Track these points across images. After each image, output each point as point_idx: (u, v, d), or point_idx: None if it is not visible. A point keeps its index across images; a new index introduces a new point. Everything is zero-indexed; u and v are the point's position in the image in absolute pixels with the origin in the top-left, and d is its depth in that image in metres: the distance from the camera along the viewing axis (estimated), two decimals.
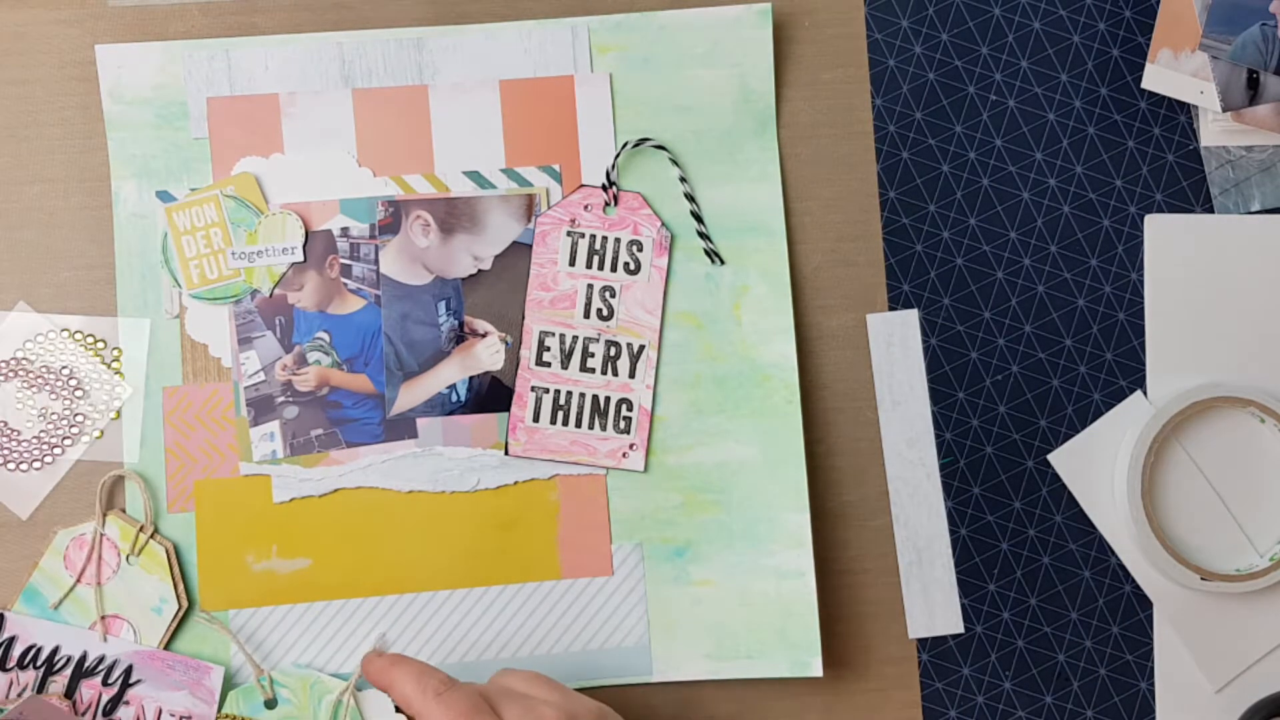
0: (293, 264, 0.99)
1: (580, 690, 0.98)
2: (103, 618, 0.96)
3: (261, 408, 0.99)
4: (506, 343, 1.00)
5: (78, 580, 0.96)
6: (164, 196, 0.99)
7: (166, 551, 0.97)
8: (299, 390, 0.99)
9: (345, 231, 1.00)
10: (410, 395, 0.99)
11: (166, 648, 0.97)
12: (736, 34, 1.02)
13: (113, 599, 0.97)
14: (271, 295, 0.99)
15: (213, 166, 1.00)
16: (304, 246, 0.99)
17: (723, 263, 1.01)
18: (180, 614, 0.97)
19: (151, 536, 0.97)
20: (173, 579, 0.97)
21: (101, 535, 0.97)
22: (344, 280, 1.00)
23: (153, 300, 0.99)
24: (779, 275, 1.01)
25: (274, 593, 0.98)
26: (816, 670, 0.99)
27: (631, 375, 1.00)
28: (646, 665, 0.99)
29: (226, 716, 0.95)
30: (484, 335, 1.00)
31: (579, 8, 1.02)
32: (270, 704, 0.96)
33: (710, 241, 1.01)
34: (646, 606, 0.99)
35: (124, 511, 0.98)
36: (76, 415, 0.98)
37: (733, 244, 1.01)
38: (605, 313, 1.00)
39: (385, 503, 0.99)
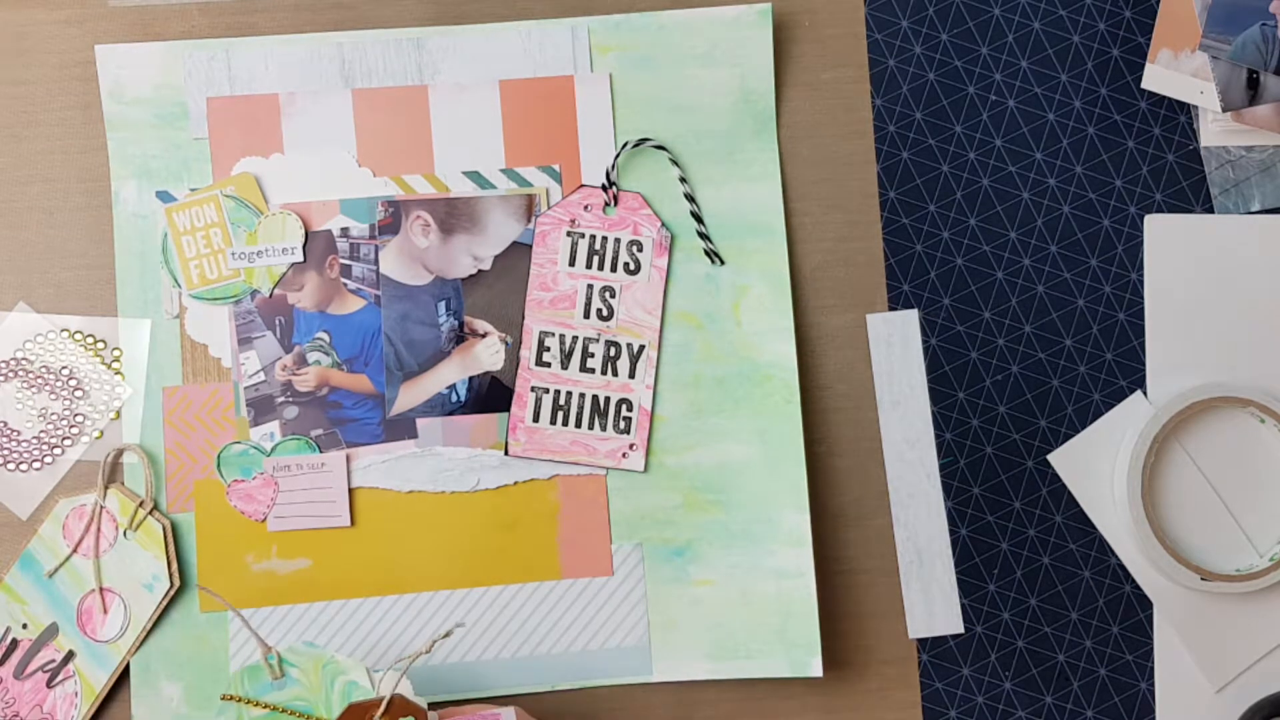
0: (292, 264, 0.99)
1: (579, 691, 0.98)
2: (95, 590, 0.96)
3: (261, 408, 0.99)
4: (506, 343, 1.00)
5: (74, 550, 0.97)
6: (164, 197, 0.99)
7: (164, 528, 0.97)
8: (299, 390, 0.99)
9: (345, 231, 1.00)
10: (410, 395, 0.99)
11: (154, 626, 0.97)
12: (736, 34, 1.02)
13: (107, 573, 0.97)
14: (271, 295, 0.99)
15: (213, 167, 1.00)
16: (304, 247, 0.99)
17: (723, 263, 1.01)
18: (172, 592, 0.97)
19: (151, 512, 0.97)
20: (167, 557, 0.97)
21: (102, 507, 0.97)
22: (344, 280, 1.00)
23: (153, 300, 0.99)
24: (779, 275, 1.01)
25: (274, 593, 0.98)
26: (816, 670, 0.98)
27: (631, 375, 1.00)
28: (646, 665, 0.99)
29: (229, 698, 0.92)
30: (484, 335, 1.00)
31: (579, 8, 1.02)
32: (278, 683, 0.94)
33: (710, 242, 1.01)
34: (646, 606, 0.99)
35: (125, 485, 0.98)
36: (76, 415, 0.98)
37: (733, 244, 1.01)
38: (605, 313, 1.00)
39: (385, 503, 0.99)
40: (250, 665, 0.92)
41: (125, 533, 0.97)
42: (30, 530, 0.97)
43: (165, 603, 0.96)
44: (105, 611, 0.96)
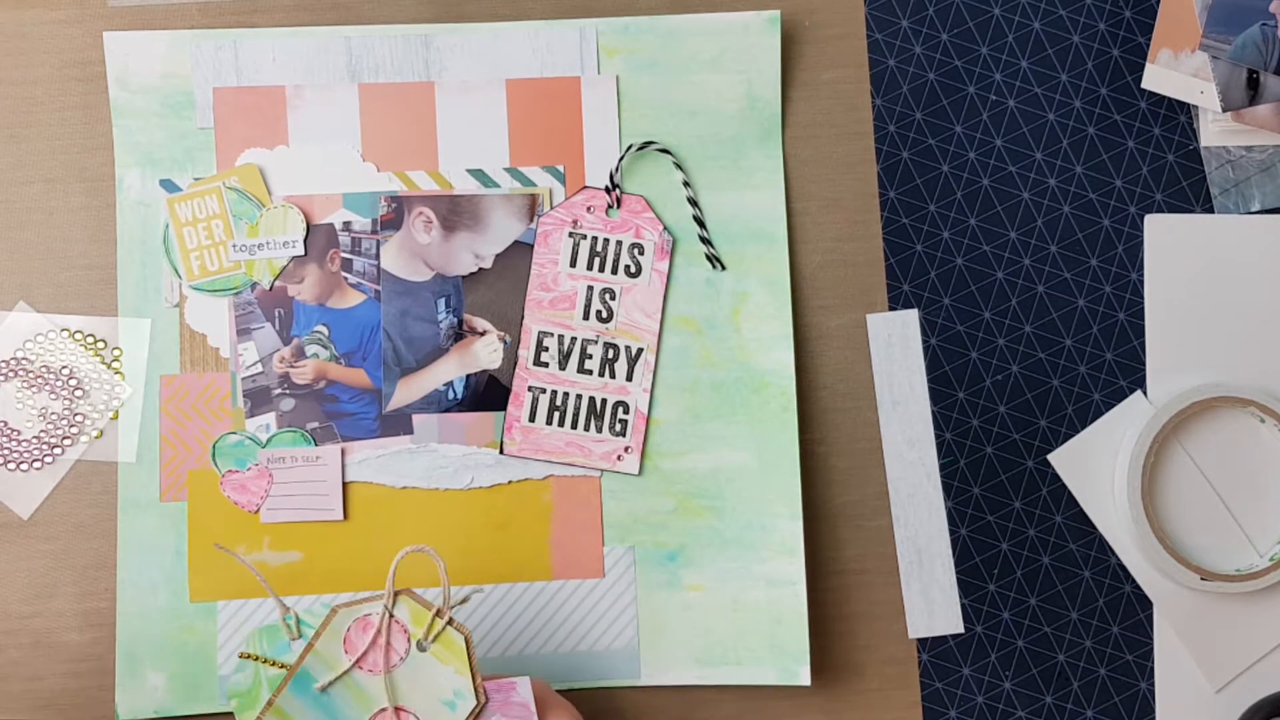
0: (293, 257, 0.99)
1: (567, 691, 0.98)
2: (393, 709, 0.88)
3: (258, 399, 0.99)
4: (505, 342, 1.00)
5: (356, 664, 0.88)
6: (167, 185, 1.00)
7: (465, 639, 0.88)
8: (296, 383, 0.99)
9: (347, 226, 1.00)
10: (407, 391, 0.99)
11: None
12: (744, 40, 1.02)
13: (398, 689, 0.88)
14: (271, 288, 0.99)
15: (217, 157, 1.00)
16: (305, 240, 0.99)
17: (724, 268, 1.01)
18: (477, 710, 0.88)
19: (449, 623, 0.89)
20: (471, 670, 0.88)
21: (391, 618, 0.89)
22: (344, 274, 1.00)
23: (153, 289, 0.99)
24: (779, 283, 1.01)
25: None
26: (804, 679, 0.98)
27: (629, 378, 1.00)
28: (635, 669, 0.99)
29: (247, 656, 0.88)
30: (483, 333, 1.00)
31: (579, 8, 1.02)
32: (296, 644, 0.89)
33: (712, 247, 1.01)
34: (637, 610, 0.99)
35: (415, 592, 0.90)
36: (76, 415, 0.98)
37: (734, 250, 1.01)
38: (605, 315, 1.00)
39: (379, 498, 0.99)
40: (267, 626, 0.89)
41: (419, 644, 0.88)
42: (305, 646, 0.89)
43: None
44: None
